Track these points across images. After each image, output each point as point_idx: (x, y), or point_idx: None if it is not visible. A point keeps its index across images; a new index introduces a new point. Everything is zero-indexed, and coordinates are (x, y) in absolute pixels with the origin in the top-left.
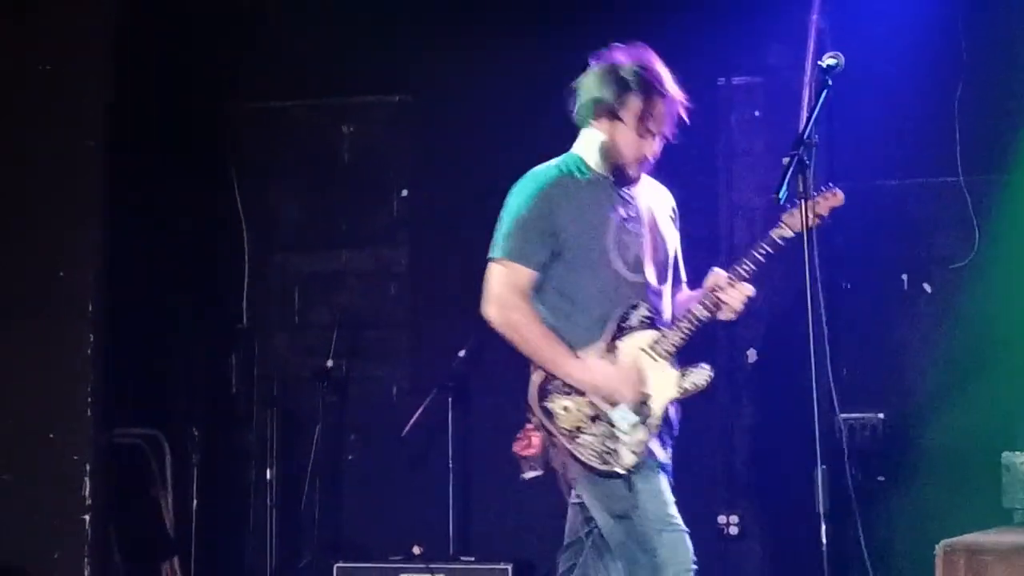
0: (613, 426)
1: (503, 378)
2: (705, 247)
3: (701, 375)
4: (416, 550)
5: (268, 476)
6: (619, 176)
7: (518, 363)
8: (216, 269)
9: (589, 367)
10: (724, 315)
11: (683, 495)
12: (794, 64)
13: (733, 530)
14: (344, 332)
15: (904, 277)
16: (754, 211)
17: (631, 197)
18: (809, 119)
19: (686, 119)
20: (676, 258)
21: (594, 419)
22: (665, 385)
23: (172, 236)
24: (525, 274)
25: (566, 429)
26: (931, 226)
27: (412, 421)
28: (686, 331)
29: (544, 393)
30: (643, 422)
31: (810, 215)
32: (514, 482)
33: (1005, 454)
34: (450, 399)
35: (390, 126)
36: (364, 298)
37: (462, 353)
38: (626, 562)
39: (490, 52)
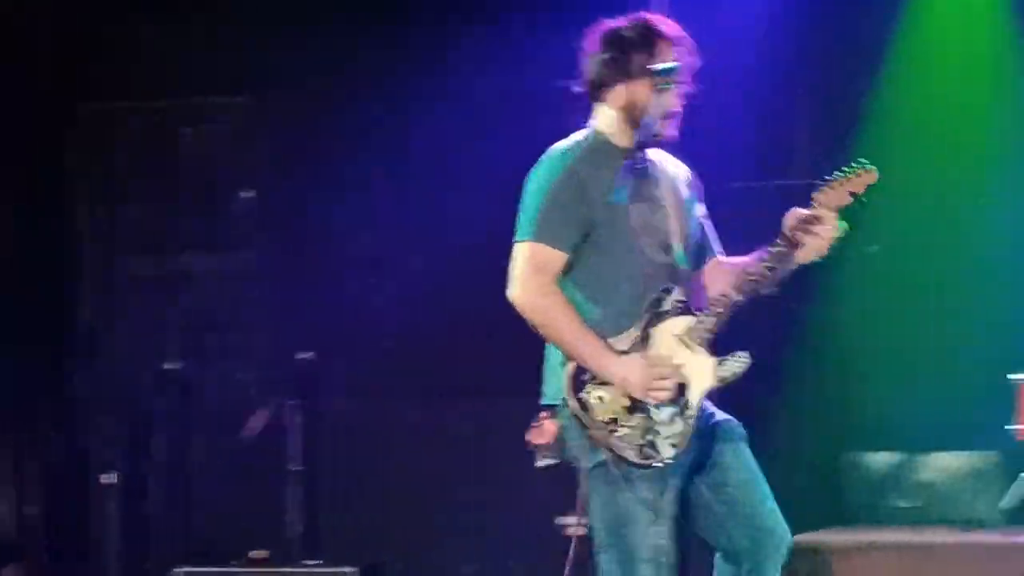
0: (651, 418)
1: (351, 380)
2: None
3: (739, 363)
4: (257, 554)
5: (112, 479)
6: (649, 140)
7: (367, 367)
8: (59, 271)
9: (626, 364)
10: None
11: (524, 497)
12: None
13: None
14: (190, 334)
15: None
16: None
17: (656, 172)
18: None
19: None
20: (704, 233)
21: (631, 409)
22: (702, 374)
23: (11, 239)
24: (556, 256)
25: (603, 421)
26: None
27: (255, 423)
28: (721, 314)
29: (579, 384)
30: (680, 414)
31: (845, 193)
32: (362, 485)
33: (847, 455)
34: (296, 401)
35: (234, 127)
36: (209, 300)
37: (308, 355)
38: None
39: (333, 52)
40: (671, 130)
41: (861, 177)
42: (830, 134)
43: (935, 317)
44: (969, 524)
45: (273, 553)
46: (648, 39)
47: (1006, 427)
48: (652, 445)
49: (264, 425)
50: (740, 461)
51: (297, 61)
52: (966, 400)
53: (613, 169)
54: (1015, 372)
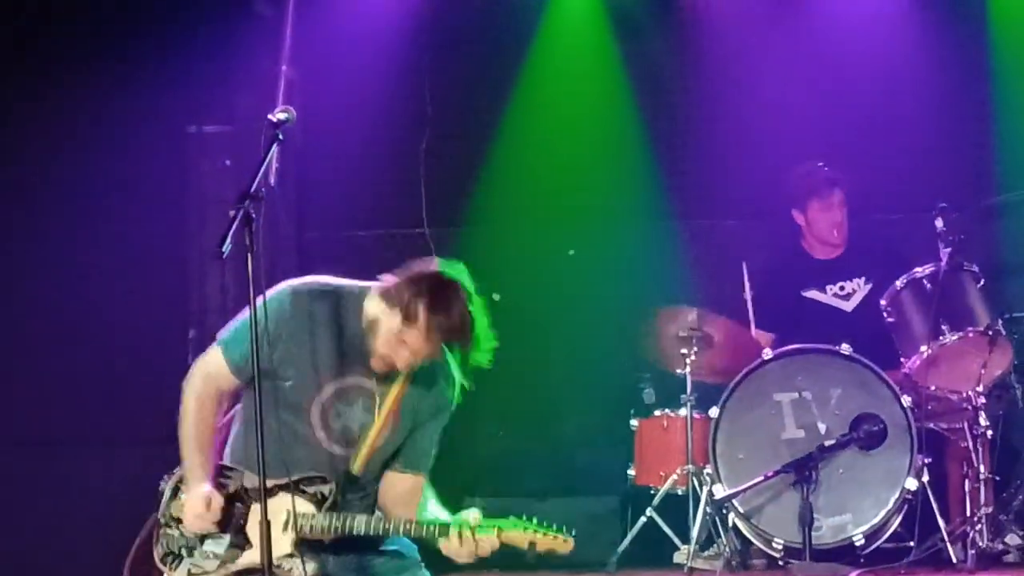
0: (199, 540)
1: None
2: (175, 293)
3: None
4: None
5: None
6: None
7: None
8: None
9: (195, 493)
10: None
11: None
12: (264, 114)
13: None
14: None
15: None
16: (228, 260)
17: (382, 376)
18: (258, 172)
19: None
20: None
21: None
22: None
23: None
24: (221, 364)
25: (171, 515)
26: None
27: None
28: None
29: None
30: (222, 555)
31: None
32: None
33: (469, 500)
34: None
35: None
36: None
37: None
38: None
39: None
40: (382, 369)
41: (547, 539)
42: (451, 186)
43: (558, 362)
44: (586, 568)
45: None
46: (408, 314)
47: (628, 472)
48: (179, 557)
49: None
50: None
51: None
52: (586, 445)
53: (333, 333)
54: (634, 417)
